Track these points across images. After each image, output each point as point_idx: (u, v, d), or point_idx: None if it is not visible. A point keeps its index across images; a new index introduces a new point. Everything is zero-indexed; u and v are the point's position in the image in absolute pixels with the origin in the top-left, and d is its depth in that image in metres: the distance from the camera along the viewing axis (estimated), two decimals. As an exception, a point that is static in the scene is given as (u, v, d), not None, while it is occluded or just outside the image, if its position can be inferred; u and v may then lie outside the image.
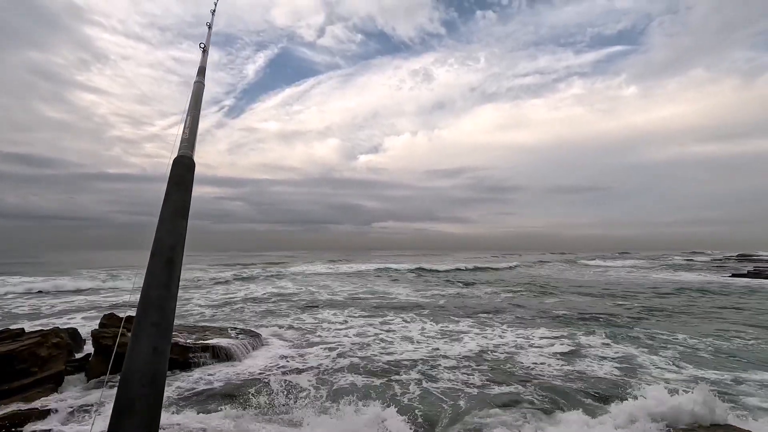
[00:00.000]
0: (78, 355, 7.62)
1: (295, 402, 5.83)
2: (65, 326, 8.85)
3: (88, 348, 7.73)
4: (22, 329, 7.07)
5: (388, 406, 5.32)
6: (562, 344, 9.21)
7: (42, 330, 7.07)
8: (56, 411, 5.05)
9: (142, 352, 0.73)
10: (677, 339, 9.76)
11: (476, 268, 38.50)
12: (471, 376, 7.02)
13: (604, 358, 8.17)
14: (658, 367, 7.59)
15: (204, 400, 5.86)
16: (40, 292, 18.71)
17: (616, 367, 7.54)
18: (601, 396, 6.10)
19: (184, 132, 1.19)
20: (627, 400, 5.29)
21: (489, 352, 8.60)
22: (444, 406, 5.77)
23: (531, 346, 9.16)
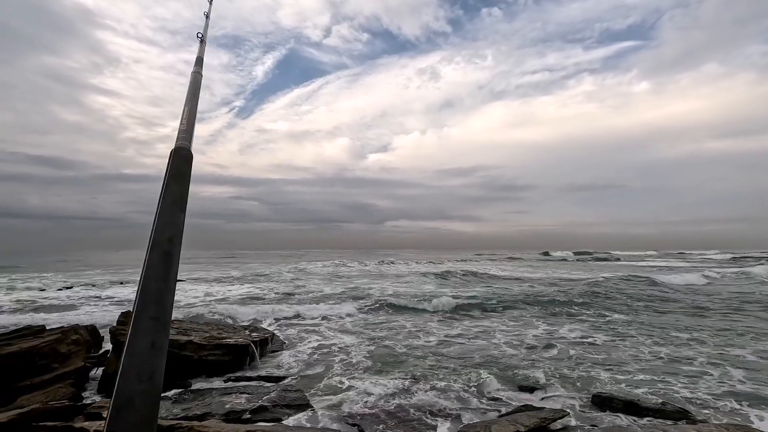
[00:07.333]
0: (97, 352, 7.79)
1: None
2: (85, 323, 9.03)
3: (107, 345, 7.89)
4: (43, 326, 7.24)
5: None
6: None
7: (62, 327, 7.24)
8: (75, 406, 5.13)
9: (141, 348, 0.71)
10: None
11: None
12: None
13: None
14: None
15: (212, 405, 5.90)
16: (60, 289, 19.24)
17: None
18: None
19: (182, 123, 1.16)
20: None
21: None
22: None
23: None
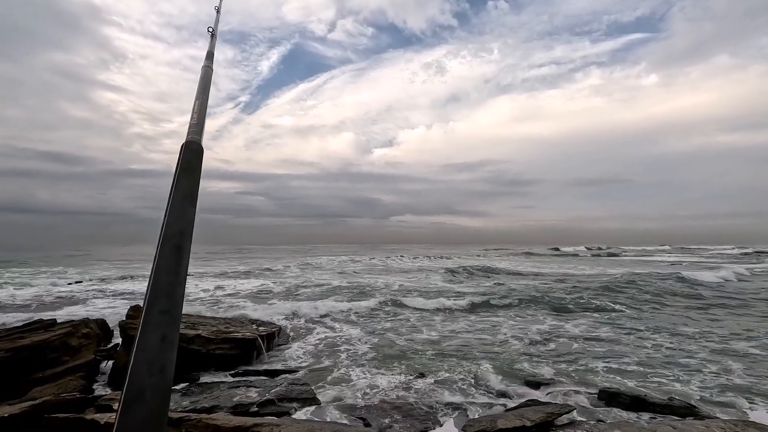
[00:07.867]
0: (107, 345, 7.89)
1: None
2: (95, 317, 9.16)
3: (117, 339, 7.99)
4: (54, 320, 7.35)
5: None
6: None
7: (72, 321, 7.34)
8: (86, 398, 5.21)
9: (151, 341, 0.71)
10: None
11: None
12: None
13: None
14: None
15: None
16: (70, 284, 19.51)
17: None
18: None
19: (192, 117, 1.16)
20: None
21: None
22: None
23: None
